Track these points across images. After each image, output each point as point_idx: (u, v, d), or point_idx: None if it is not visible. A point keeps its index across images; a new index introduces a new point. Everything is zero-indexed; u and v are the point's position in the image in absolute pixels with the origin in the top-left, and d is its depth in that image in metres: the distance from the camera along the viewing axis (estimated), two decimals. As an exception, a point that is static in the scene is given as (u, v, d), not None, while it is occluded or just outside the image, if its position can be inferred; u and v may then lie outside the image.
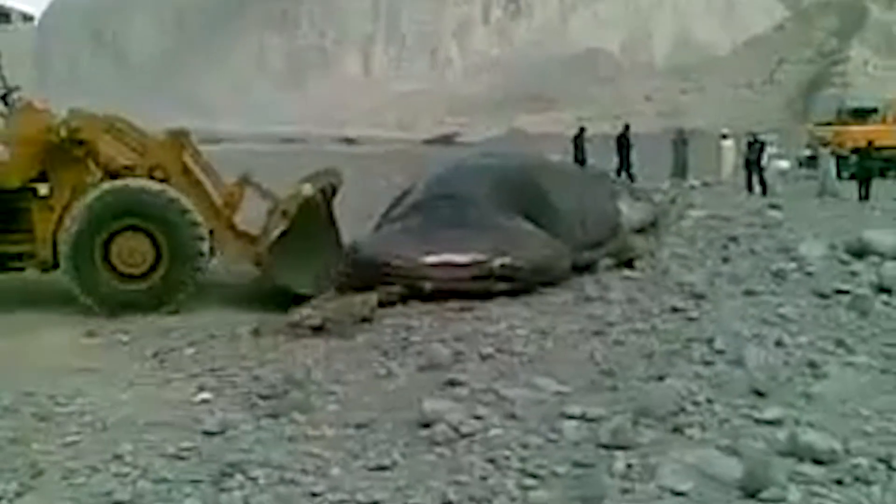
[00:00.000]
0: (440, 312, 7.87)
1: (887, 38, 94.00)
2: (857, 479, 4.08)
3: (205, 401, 5.72)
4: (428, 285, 8.43)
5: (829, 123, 35.17)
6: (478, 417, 5.03)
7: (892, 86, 60.58)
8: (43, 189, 8.92)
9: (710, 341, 6.44)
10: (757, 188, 20.90)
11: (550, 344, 6.67)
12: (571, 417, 5.04)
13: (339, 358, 6.56)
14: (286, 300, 8.20)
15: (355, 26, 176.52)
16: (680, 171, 23.82)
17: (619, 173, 22.12)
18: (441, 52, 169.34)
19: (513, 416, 5.09)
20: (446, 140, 76.91)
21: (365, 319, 7.61)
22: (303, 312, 7.52)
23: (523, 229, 9.39)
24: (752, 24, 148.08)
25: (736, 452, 4.40)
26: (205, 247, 8.66)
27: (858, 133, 29.00)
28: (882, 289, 7.90)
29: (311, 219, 8.75)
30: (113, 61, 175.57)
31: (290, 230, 8.50)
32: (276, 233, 8.54)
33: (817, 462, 4.23)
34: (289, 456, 4.56)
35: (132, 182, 8.73)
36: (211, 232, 8.83)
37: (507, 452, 4.53)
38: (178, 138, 9.12)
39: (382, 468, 4.40)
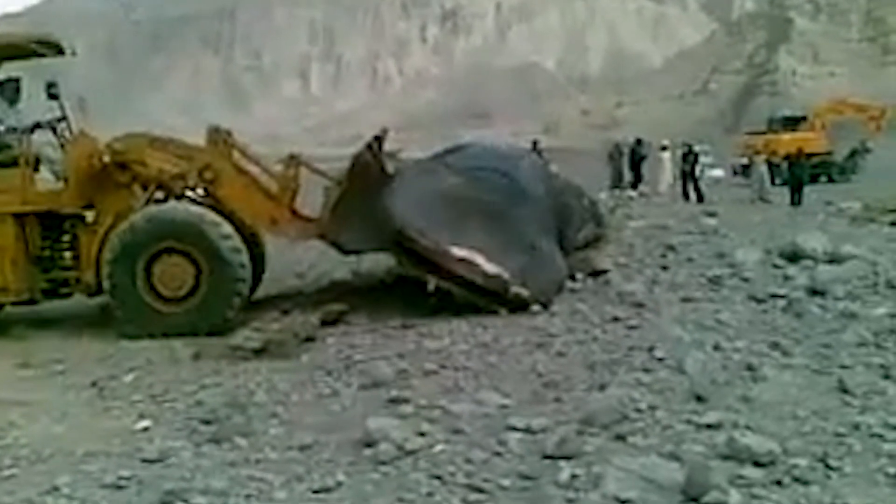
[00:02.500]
0: (383, 330, 7.82)
1: (812, 48, 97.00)
2: (795, 479, 4.15)
3: (144, 428, 5.63)
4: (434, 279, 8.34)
5: (761, 132, 36.12)
6: (422, 434, 5.00)
7: (819, 94, 62.41)
8: (89, 216, 9.05)
9: (650, 349, 6.51)
10: (693, 197, 21.31)
11: (494, 357, 6.66)
12: (516, 430, 5.04)
13: (281, 379, 6.48)
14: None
15: (291, 47, 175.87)
16: (617, 182, 24.22)
17: (634, 186, 22.39)
18: (380, 71, 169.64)
19: (458, 431, 5.08)
20: (389, 156, 76.85)
21: (308, 339, 7.54)
22: (244, 334, 7.43)
23: (551, 255, 9.02)
24: (683, 38, 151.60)
25: (678, 458, 4.44)
26: (244, 273, 8.69)
27: (789, 141, 29.84)
28: (815, 291, 8.06)
29: (366, 178, 8.71)
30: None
31: (347, 192, 8.63)
32: (334, 196, 8.69)
33: (757, 464, 4.29)
34: (230, 481, 4.48)
35: (172, 206, 8.91)
36: (274, 221, 9.05)
37: (453, 468, 4.52)
38: (220, 135, 9.18)
39: (327, 489, 4.35)
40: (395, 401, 5.73)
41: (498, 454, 4.72)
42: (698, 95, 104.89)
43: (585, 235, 10.30)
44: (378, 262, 10.14)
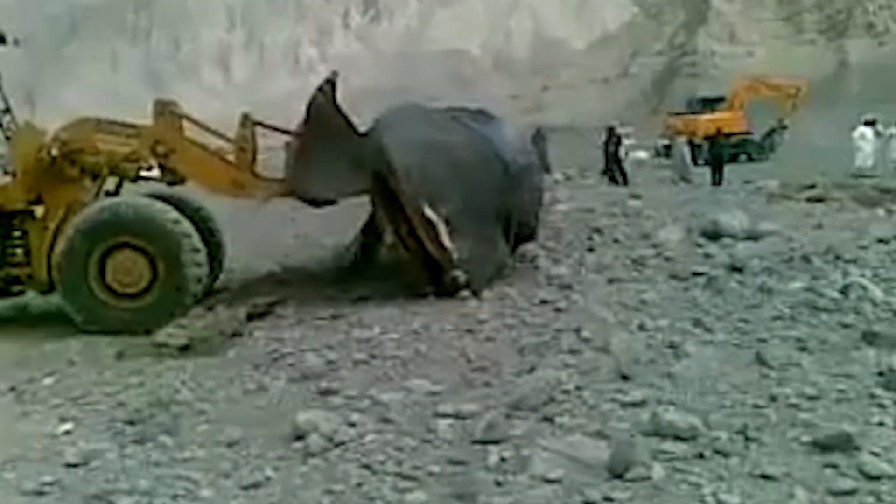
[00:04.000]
0: (312, 322, 7.76)
1: (730, 29, 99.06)
2: (716, 452, 4.27)
3: (66, 432, 5.50)
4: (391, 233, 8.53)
5: (682, 113, 36.78)
6: (352, 425, 5.00)
7: (738, 74, 63.86)
8: (39, 211, 8.76)
9: (577, 330, 6.61)
10: (619, 178, 21.59)
11: (423, 345, 6.67)
12: (445, 416, 5.08)
13: (208, 376, 6.38)
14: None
15: (211, 35, 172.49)
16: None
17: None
18: (303, 58, 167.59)
19: (387, 421, 5.08)
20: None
21: (234, 334, 7.44)
22: (168, 332, 7.29)
23: (497, 244, 9.01)
24: (606, 22, 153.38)
25: (603, 436, 4.54)
26: (200, 272, 8.47)
27: (708, 121, 30.47)
28: (735, 268, 8.26)
29: (324, 123, 8.51)
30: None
31: (309, 141, 8.46)
32: (295, 148, 8.51)
33: (679, 439, 4.40)
34: (156, 481, 4.42)
35: (129, 199, 8.69)
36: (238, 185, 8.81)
37: (382, 457, 4.53)
38: (166, 108, 8.93)
39: (255, 485, 4.32)
40: (324, 393, 5.70)
41: (427, 441, 4.74)
42: (622, 78, 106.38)
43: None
44: (307, 254, 10.06)
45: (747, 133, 32.98)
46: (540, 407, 5.07)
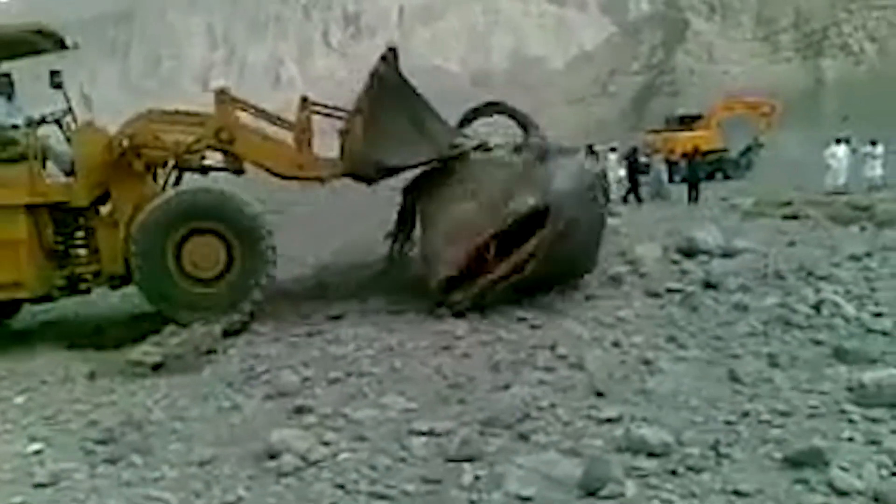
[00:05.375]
0: (288, 339, 7.74)
1: (708, 48, 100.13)
2: (689, 468, 4.29)
3: (36, 451, 5.42)
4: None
5: (660, 131, 37.05)
6: (326, 443, 4.98)
7: (715, 92, 64.46)
8: (104, 207, 8.86)
9: (552, 347, 6.63)
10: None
11: (399, 362, 6.66)
12: (420, 434, 5.07)
13: (181, 394, 6.33)
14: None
15: (191, 52, 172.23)
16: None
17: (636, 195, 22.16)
18: (283, 75, 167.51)
19: (362, 438, 5.07)
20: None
21: (209, 352, 7.39)
22: (142, 349, 7.23)
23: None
24: (583, 40, 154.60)
25: (577, 453, 4.55)
26: (273, 256, 8.62)
27: (686, 139, 30.71)
28: (709, 285, 8.33)
29: (389, 91, 8.67)
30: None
31: (375, 111, 8.55)
32: (361, 120, 8.56)
33: (652, 455, 4.42)
34: (127, 502, 4.38)
35: (202, 186, 8.89)
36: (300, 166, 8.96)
37: (356, 476, 4.51)
38: (225, 95, 9.04)
39: (226, 505, 4.28)
40: (298, 410, 5.67)
41: (402, 459, 4.73)
42: (600, 97, 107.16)
43: None
44: (286, 271, 10.01)
45: (723, 151, 33.24)
46: (514, 424, 5.08)
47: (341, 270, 10.87)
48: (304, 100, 9.27)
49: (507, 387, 5.84)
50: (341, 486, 4.41)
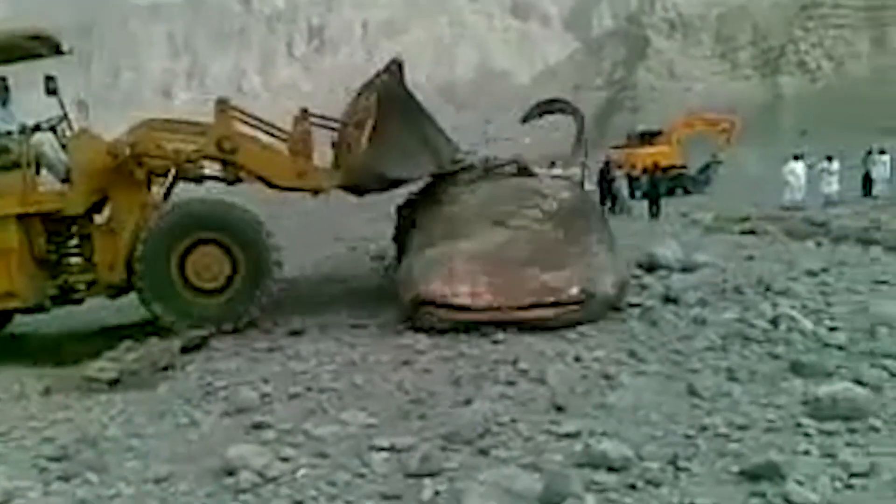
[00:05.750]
0: (247, 354, 7.67)
1: (668, 65, 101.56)
2: (648, 482, 4.30)
3: (-12, 469, 5.28)
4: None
5: (621, 146, 37.46)
6: (285, 459, 4.92)
7: (676, 108, 65.34)
8: (100, 215, 8.81)
9: (514, 362, 6.62)
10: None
11: (360, 377, 6.62)
12: (381, 449, 5.03)
13: (138, 410, 6.23)
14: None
15: (152, 63, 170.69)
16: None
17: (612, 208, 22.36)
18: (246, 86, 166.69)
19: (321, 455, 5.02)
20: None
21: (167, 367, 7.29)
22: (98, 365, 7.11)
23: None
24: (547, 55, 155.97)
25: (537, 468, 4.54)
26: (279, 263, 8.75)
27: (647, 155, 31.08)
28: (669, 299, 8.41)
29: (396, 104, 8.71)
30: None
31: (380, 122, 8.54)
32: (368, 126, 8.54)
33: (612, 469, 4.43)
34: (80, 520, 4.28)
35: (205, 197, 8.92)
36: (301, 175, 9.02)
37: (315, 492, 4.47)
38: (226, 105, 9.04)
39: (183, 523, 4.21)
40: (257, 426, 5.61)
41: (361, 475, 4.69)
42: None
43: None
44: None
45: (683, 167, 33.68)
46: (475, 439, 5.06)
47: (311, 285, 10.83)
48: (304, 111, 9.36)
49: (468, 402, 5.82)
50: (299, 503, 4.37)
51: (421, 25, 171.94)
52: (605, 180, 23.10)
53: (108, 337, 8.68)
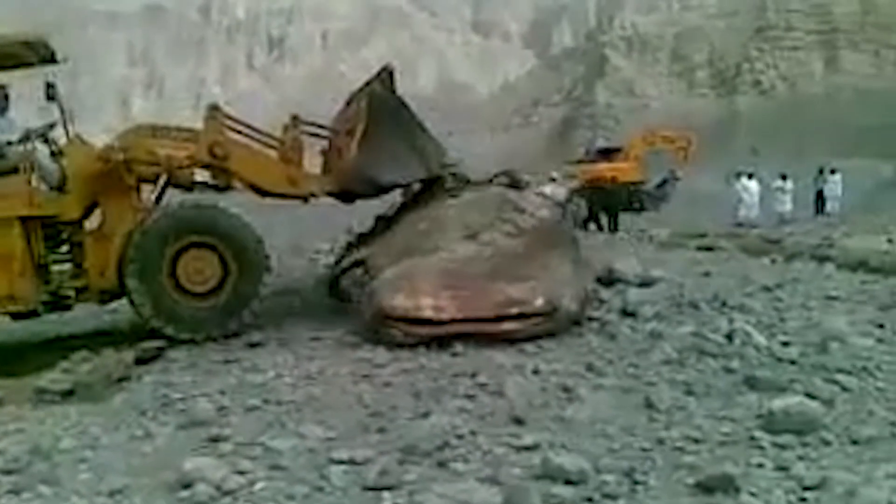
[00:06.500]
0: (204, 366, 7.57)
1: (627, 83, 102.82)
2: (605, 495, 4.34)
3: (-64, 482, 5.15)
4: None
5: (580, 162, 37.83)
6: (241, 472, 4.86)
7: (634, 125, 66.14)
8: (91, 222, 8.75)
9: (473, 375, 6.62)
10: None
11: (319, 389, 6.58)
12: (339, 462, 5.00)
13: (91, 422, 6.11)
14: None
15: (109, 71, 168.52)
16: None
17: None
18: (205, 96, 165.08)
19: (279, 468, 4.98)
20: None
21: (121, 379, 7.18)
22: (51, 376, 6.99)
23: None
24: (507, 71, 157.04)
25: (496, 481, 4.55)
26: (269, 266, 8.77)
27: (606, 170, 31.43)
28: (627, 313, 8.49)
29: (386, 111, 8.86)
30: None
31: (370, 129, 8.69)
32: (359, 132, 8.65)
33: (569, 482, 4.46)
34: (31, 535, 4.19)
35: (196, 200, 8.87)
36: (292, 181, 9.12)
37: (272, 505, 4.42)
38: (216, 111, 9.05)
39: (137, 537, 4.15)
40: (214, 439, 5.54)
41: (319, 489, 4.66)
42: (523, 127, 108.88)
43: None
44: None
45: (641, 183, 34.12)
46: (434, 452, 5.06)
47: (270, 296, 10.73)
48: (295, 118, 9.41)
49: (427, 415, 5.82)
50: (257, 517, 4.33)
51: (382, 38, 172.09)
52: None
53: (61, 348, 8.55)
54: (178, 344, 8.27)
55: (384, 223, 10.20)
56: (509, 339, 7.55)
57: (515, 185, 9.47)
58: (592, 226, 22.76)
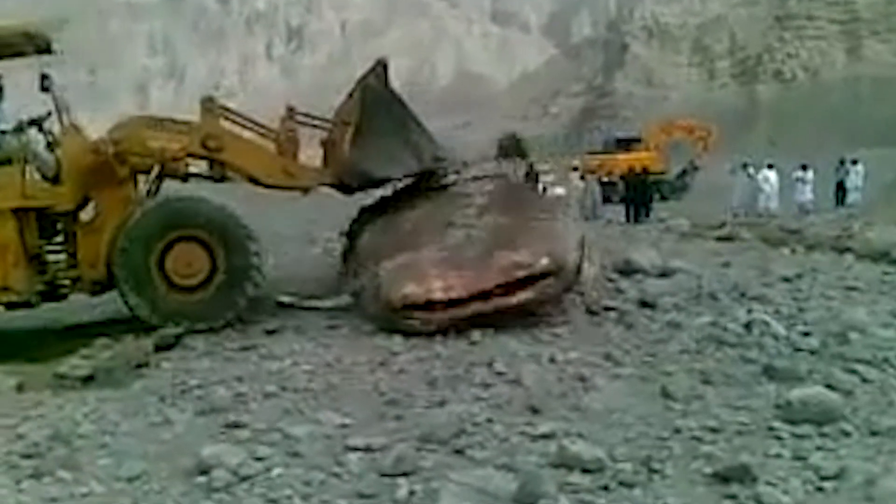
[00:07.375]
0: (222, 353, 7.62)
1: (647, 72, 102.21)
2: (621, 483, 4.33)
3: (-42, 467, 5.22)
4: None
5: (599, 152, 37.65)
6: (259, 459, 4.89)
7: (654, 116, 65.75)
8: (85, 213, 8.77)
9: (490, 364, 6.63)
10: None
11: (335, 377, 6.60)
12: (355, 449, 5.02)
13: (111, 408, 6.16)
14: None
15: (130, 61, 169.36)
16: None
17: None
18: (224, 86, 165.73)
19: (296, 454, 5.00)
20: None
21: (140, 365, 7.23)
22: (71, 362, 7.05)
23: None
24: (526, 61, 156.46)
25: (512, 469, 4.55)
26: (259, 261, 8.70)
27: (624, 161, 31.27)
28: (644, 303, 8.47)
29: (380, 105, 8.90)
30: None
31: (364, 123, 8.75)
32: (352, 126, 8.71)
33: (585, 471, 4.45)
34: (51, 518, 4.24)
35: (186, 194, 8.88)
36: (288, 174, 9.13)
37: (289, 491, 4.44)
38: (211, 103, 9.10)
39: (155, 521, 4.18)
40: (231, 426, 5.57)
41: (336, 475, 4.68)
42: (541, 116, 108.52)
43: None
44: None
45: (661, 173, 33.92)
46: (450, 440, 5.07)
47: (286, 285, 10.76)
48: (291, 109, 9.41)
49: (443, 403, 5.83)
50: (273, 502, 4.35)
51: (400, 28, 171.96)
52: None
53: (82, 334, 8.62)
54: (196, 332, 8.32)
55: (368, 215, 10.28)
56: (525, 313, 7.61)
57: (521, 154, 9.63)
58: (621, 216, 22.71)
